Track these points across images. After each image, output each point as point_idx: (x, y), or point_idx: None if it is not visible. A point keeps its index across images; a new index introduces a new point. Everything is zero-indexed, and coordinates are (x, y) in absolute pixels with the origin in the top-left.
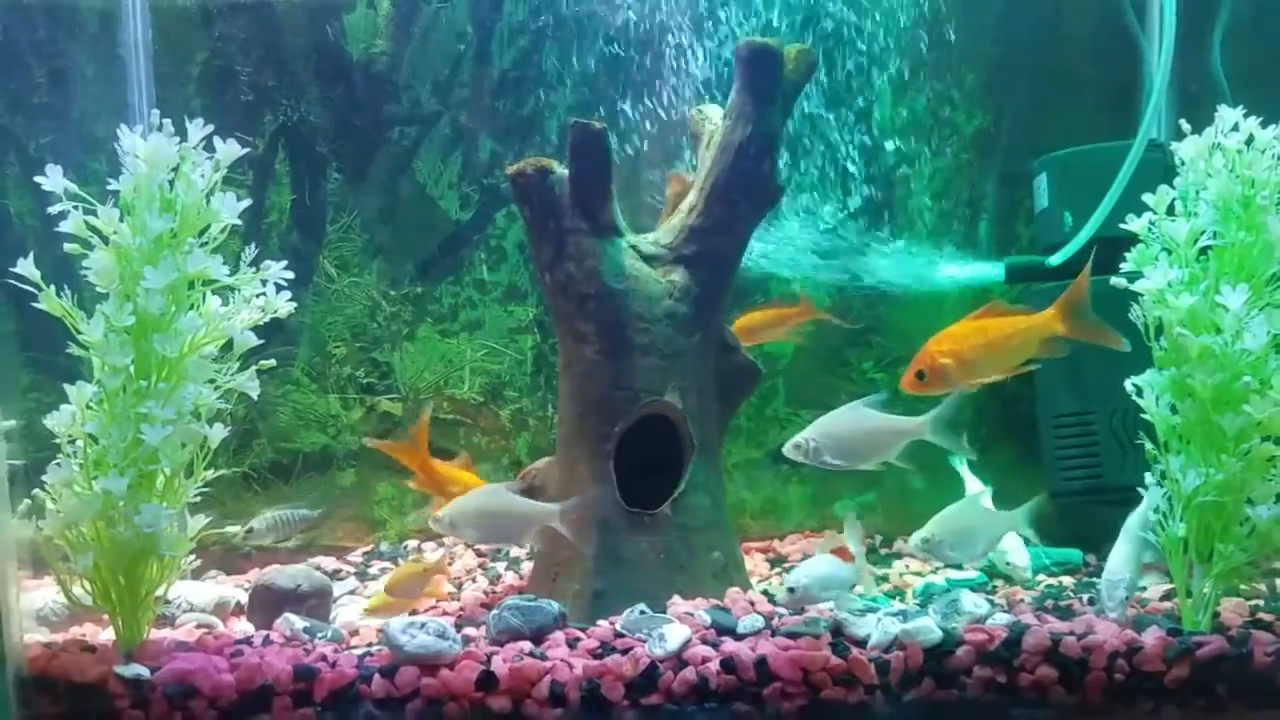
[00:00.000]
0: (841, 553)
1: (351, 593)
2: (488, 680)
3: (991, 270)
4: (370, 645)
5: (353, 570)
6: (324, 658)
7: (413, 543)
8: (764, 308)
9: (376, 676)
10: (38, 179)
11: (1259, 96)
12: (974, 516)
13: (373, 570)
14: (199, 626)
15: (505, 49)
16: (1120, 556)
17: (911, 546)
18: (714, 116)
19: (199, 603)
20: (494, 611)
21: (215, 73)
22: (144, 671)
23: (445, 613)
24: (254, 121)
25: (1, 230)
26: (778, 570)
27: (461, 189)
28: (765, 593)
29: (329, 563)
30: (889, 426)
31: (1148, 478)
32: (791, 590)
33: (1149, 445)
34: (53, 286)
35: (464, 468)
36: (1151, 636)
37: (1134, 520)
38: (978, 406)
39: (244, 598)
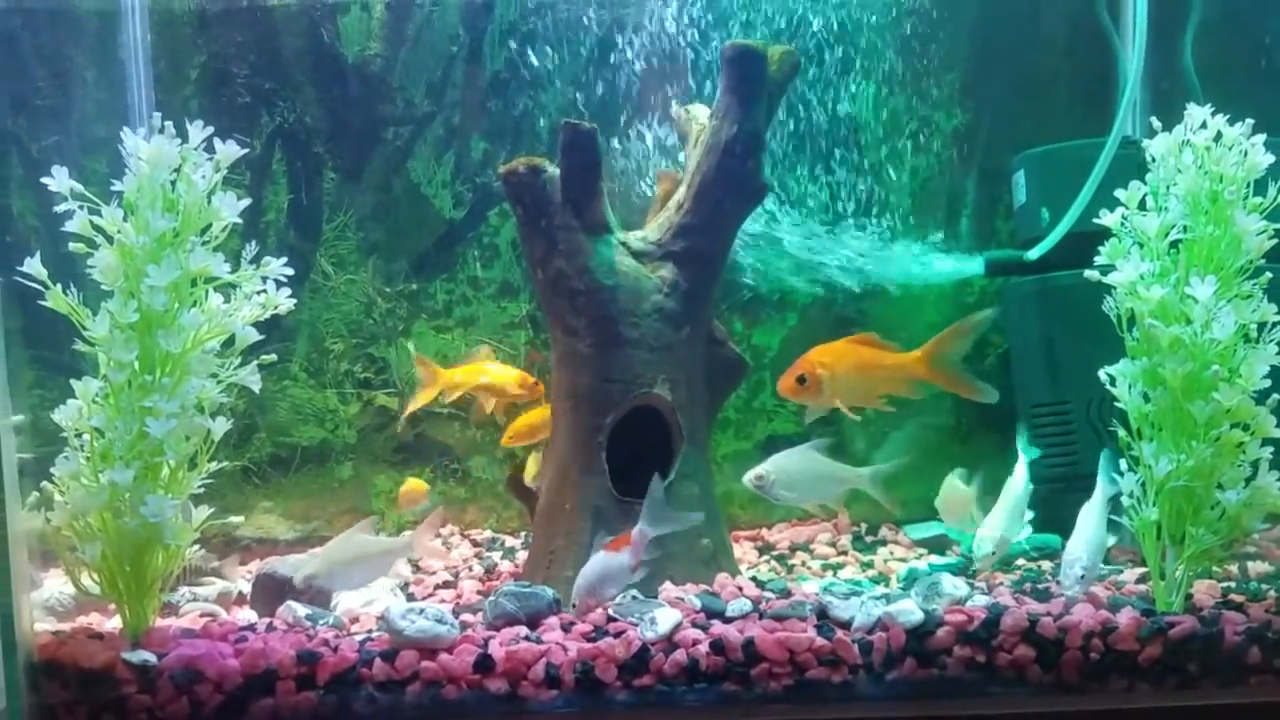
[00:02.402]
0: (619, 542)
1: None
2: (485, 663)
3: (972, 264)
4: (370, 631)
5: None
6: (326, 642)
7: (409, 533)
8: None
9: (377, 660)
10: (44, 180)
11: (1230, 93)
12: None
13: None
14: (203, 615)
15: (496, 50)
16: (1078, 538)
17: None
18: (701, 116)
19: (202, 593)
20: (490, 598)
21: (213, 75)
22: (151, 657)
23: (443, 600)
24: (251, 123)
25: (4, 230)
26: (766, 558)
27: (455, 188)
28: (754, 578)
29: None
30: (835, 473)
31: (1101, 462)
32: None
33: (1122, 433)
34: (58, 285)
35: (480, 359)
36: (1126, 617)
37: (1091, 504)
38: (958, 398)
39: (246, 588)
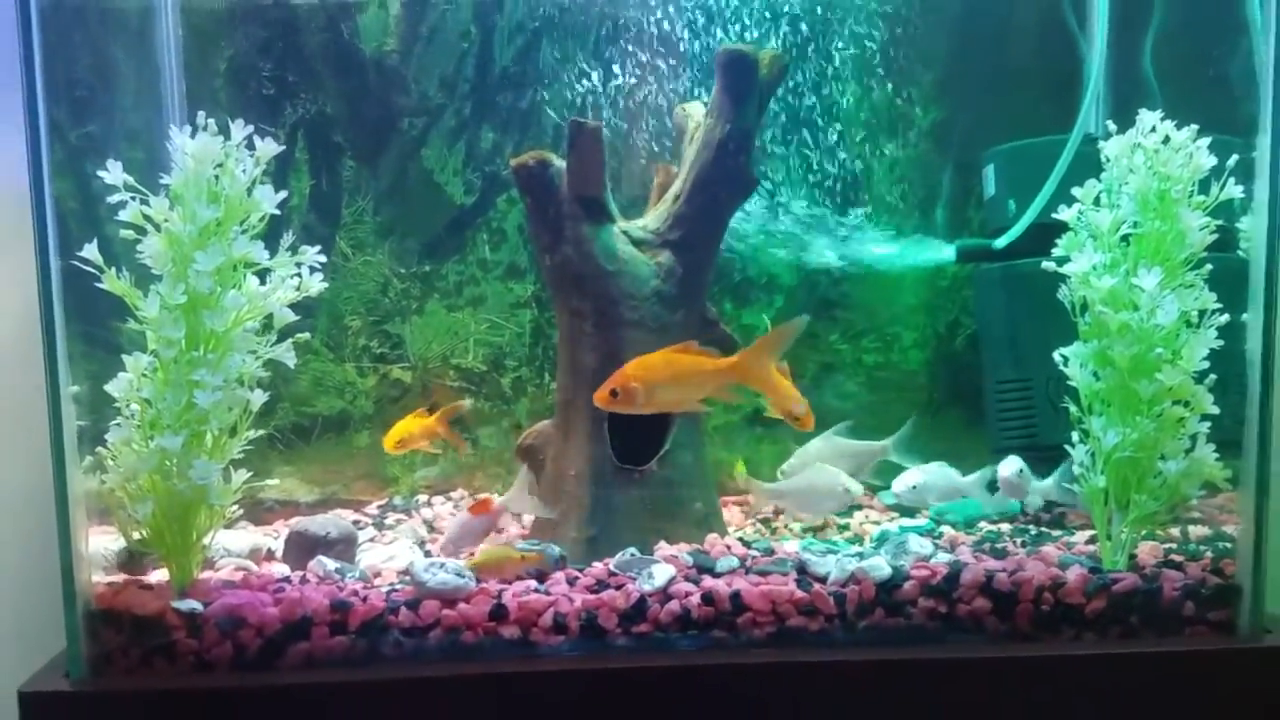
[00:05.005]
0: (481, 507)
1: (371, 540)
2: (499, 612)
3: (944, 251)
4: (394, 583)
5: (370, 521)
6: (356, 593)
7: (423, 496)
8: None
9: (403, 609)
10: (99, 173)
11: (1182, 95)
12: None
13: (389, 521)
14: (238, 569)
15: (506, 47)
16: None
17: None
18: (697, 114)
19: (235, 549)
20: None
21: (240, 68)
22: (197, 606)
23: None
24: (276, 113)
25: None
26: (751, 520)
27: (465, 175)
28: (740, 538)
29: (348, 514)
30: (855, 451)
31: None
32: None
33: (1074, 408)
34: (113, 269)
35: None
36: (1074, 574)
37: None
38: (931, 375)
39: (274, 545)
